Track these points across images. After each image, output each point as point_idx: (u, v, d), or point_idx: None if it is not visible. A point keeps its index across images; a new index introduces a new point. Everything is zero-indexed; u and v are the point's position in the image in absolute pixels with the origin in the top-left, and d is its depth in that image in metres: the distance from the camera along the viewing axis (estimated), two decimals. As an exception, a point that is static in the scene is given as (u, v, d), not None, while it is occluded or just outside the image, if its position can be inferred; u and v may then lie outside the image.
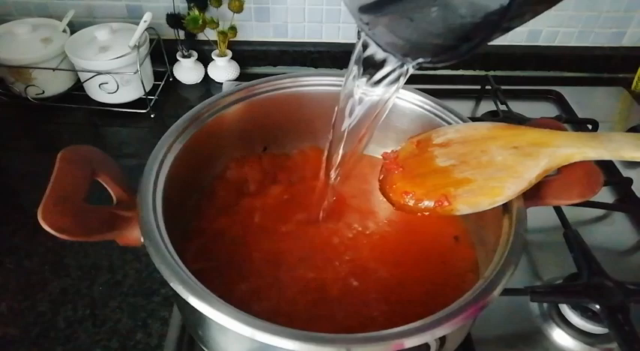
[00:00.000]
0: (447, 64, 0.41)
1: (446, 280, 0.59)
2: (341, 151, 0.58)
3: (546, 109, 1.03)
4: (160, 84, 1.05)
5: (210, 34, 1.03)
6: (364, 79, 0.51)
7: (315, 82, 0.68)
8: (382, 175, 0.60)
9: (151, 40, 1.01)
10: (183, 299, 0.43)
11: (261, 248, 0.62)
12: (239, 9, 1.00)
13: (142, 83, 0.96)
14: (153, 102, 1.01)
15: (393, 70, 0.49)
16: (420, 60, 0.44)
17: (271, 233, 0.64)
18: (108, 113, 1.00)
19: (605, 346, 0.63)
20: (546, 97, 1.06)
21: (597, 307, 0.61)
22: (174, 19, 1.02)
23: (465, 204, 0.53)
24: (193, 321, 0.52)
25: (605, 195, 0.83)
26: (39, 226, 0.42)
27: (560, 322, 0.65)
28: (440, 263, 0.62)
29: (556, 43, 1.14)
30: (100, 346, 0.63)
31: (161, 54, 1.06)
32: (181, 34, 1.05)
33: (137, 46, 0.94)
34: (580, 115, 0.98)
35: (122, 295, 0.68)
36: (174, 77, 1.08)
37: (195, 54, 1.07)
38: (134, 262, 0.72)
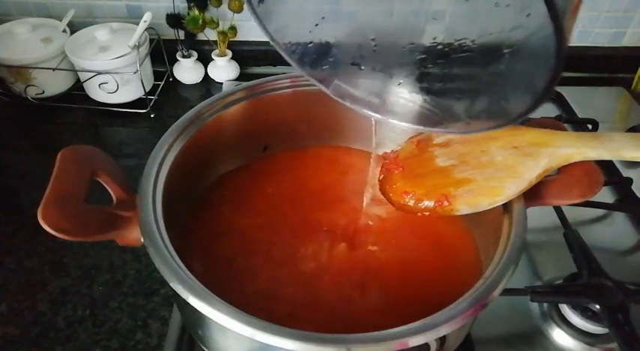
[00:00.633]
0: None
1: (446, 280, 0.59)
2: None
3: (546, 109, 1.02)
4: (160, 84, 1.05)
5: (210, 34, 1.03)
6: None
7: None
8: (382, 175, 0.60)
9: (151, 40, 1.01)
10: (183, 299, 0.43)
11: (262, 247, 0.62)
12: (239, 9, 1.00)
13: (142, 83, 0.96)
14: (153, 102, 1.01)
15: None
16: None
17: (272, 233, 0.64)
18: (108, 113, 1.00)
19: (605, 346, 0.63)
20: (546, 97, 1.06)
21: (597, 307, 0.61)
22: (174, 19, 1.02)
23: (465, 204, 0.53)
24: (193, 321, 0.52)
25: (605, 195, 0.83)
26: (39, 226, 0.42)
27: (560, 322, 0.65)
28: (440, 263, 0.62)
29: (556, 43, 1.14)
30: (99, 346, 0.63)
31: (161, 54, 1.06)
32: (181, 34, 1.05)
33: (137, 46, 0.94)
34: (580, 115, 0.98)
35: (122, 295, 0.68)
36: (174, 77, 1.08)
37: (195, 54, 1.07)
38: (134, 262, 0.72)
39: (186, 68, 1.07)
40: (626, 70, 1.14)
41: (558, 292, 0.65)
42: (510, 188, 0.52)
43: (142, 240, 0.47)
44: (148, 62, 1.02)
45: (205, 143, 0.62)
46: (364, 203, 0.65)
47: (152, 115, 0.99)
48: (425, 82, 0.56)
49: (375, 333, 0.41)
